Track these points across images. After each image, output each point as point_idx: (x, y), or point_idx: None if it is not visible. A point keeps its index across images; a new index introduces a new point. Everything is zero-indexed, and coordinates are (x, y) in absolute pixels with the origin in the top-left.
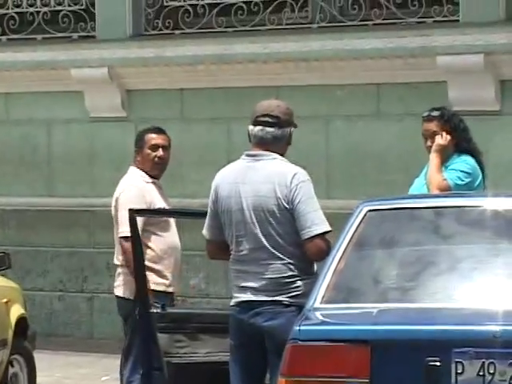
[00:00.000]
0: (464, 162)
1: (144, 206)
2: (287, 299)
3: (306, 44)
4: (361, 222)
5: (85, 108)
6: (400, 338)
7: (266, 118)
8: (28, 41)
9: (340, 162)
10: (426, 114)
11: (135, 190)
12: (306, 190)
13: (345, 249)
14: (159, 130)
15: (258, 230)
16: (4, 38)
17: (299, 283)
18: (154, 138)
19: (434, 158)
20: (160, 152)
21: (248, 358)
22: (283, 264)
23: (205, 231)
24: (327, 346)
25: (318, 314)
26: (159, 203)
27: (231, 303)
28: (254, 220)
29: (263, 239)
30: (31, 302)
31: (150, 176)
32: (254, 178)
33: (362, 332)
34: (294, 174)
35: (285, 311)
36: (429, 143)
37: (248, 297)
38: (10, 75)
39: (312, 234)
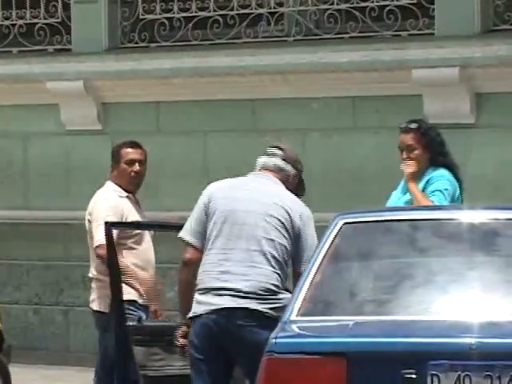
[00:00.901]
0: (442, 178)
1: (117, 219)
2: (270, 311)
3: (281, 57)
4: (337, 234)
5: (60, 121)
6: (376, 350)
7: (274, 150)
8: (3, 53)
9: (316, 175)
10: (403, 125)
11: (108, 202)
12: (312, 228)
13: (321, 261)
14: (135, 144)
15: (259, 233)
16: None
17: (281, 296)
18: (130, 153)
19: (413, 187)
20: (136, 167)
21: (216, 372)
22: (273, 272)
23: (192, 239)
24: (303, 359)
25: (294, 326)
26: (133, 217)
27: (200, 310)
28: (259, 222)
29: (263, 242)
30: (6, 315)
31: (125, 191)
32: (261, 188)
33: (338, 344)
34: (304, 211)
35: (270, 325)
36: (404, 155)
37: (228, 303)
38: None
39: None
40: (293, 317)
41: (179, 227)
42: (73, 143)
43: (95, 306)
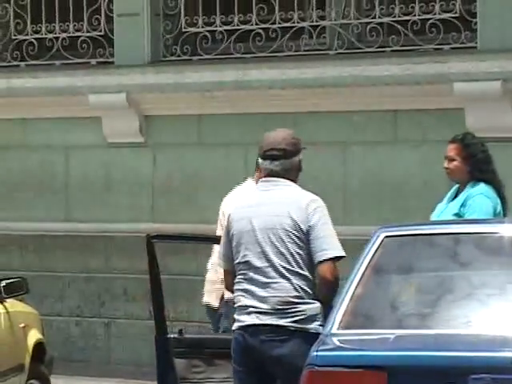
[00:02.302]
0: (480, 195)
1: None
2: (292, 324)
3: (323, 70)
4: (378, 247)
5: (102, 134)
6: (417, 364)
7: (273, 152)
8: (46, 66)
9: (357, 188)
10: (455, 135)
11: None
12: (322, 215)
13: (362, 274)
14: None
15: (268, 248)
16: (23, 63)
17: (304, 307)
18: None
19: None
20: None
21: (253, 381)
22: (290, 284)
23: (222, 263)
24: (344, 372)
25: (334, 339)
26: None
27: (234, 327)
28: (267, 239)
29: (273, 257)
30: (48, 326)
31: None
32: (269, 200)
33: (378, 358)
34: (312, 200)
35: (291, 338)
36: (445, 164)
37: (252, 320)
38: (28, 101)
39: (326, 257)
40: (334, 330)
41: (219, 240)
42: (114, 156)
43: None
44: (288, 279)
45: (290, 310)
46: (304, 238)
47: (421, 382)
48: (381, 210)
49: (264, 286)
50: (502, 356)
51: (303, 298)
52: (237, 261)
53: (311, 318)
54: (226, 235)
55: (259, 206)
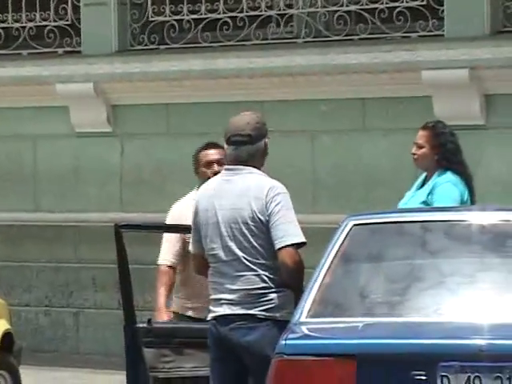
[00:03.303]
0: (447, 184)
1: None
2: (261, 313)
3: (291, 59)
4: (346, 236)
5: (70, 123)
6: (386, 351)
7: (238, 138)
8: (13, 56)
9: (326, 177)
10: (426, 122)
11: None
12: (281, 202)
13: (330, 263)
14: (213, 145)
15: (232, 243)
16: None
17: (272, 296)
18: (208, 155)
19: None
20: (215, 168)
21: (227, 372)
22: (256, 275)
23: (191, 246)
24: (313, 361)
25: (303, 327)
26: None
27: (208, 317)
28: (230, 233)
29: (238, 251)
30: (17, 317)
31: None
32: (230, 192)
33: (347, 346)
34: (271, 187)
35: (259, 326)
36: (413, 150)
37: (224, 310)
38: None
39: (284, 244)
40: (302, 318)
41: (188, 229)
42: (82, 145)
43: None
44: (254, 271)
45: (258, 300)
46: (264, 228)
47: (390, 369)
48: (349, 199)
49: (232, 278)
50: (470, 343)
51: (271, 288)
52: (207, 252)
53: (280, 306)
54: (194, 222)
55: (222, 198)
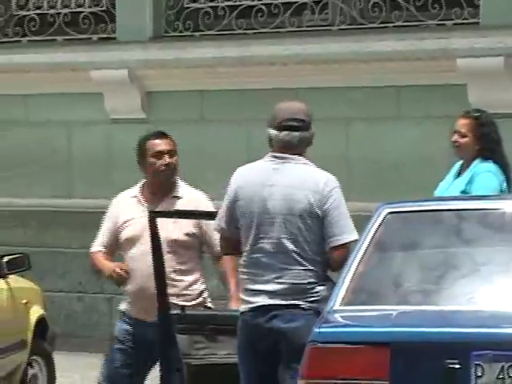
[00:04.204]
0: (487, 173)
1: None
2: (306, 304)
3: (325, 46)
4: (381, 224)
5: (104, 110)
6: (419, 340)
7: (292, 123)
8: (48, 42)
9: (359, 165)
10: (466, 110)
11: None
12: (337, 197)
13: (365, 251)
14: (162, 135)
15: (284, 235)
16: (24, 39)
17: (318, 288)
18: (156, 144)
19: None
20: (166, 159)
21: (259, 362)
22: (304, 270)
23: (219, 227)
24: (346, 348)
25: (337, 316)
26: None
27: (243, 308)
28: (282, 224)
29: (289, 244)
30: (51, 302)
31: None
32: (284, 182)
33: (381, 334)
34: (326, 181)
35: (303, 314)
36: (453, 138)
37: (264, 301)
38: (30, 77)
39: (341, 243)
40: (336, 306)
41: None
42: (116, 132)
43: None
44: (304, 266)
45: (304, 293)
46: (319, 222)
47: (423, 358)
48: (382, 187)
49: (277, 271)
50: (504, 332)
51: (318, 282)
52: (247, 242)
53: (325, 299)
54: (230, 208)
55: (272, 187)
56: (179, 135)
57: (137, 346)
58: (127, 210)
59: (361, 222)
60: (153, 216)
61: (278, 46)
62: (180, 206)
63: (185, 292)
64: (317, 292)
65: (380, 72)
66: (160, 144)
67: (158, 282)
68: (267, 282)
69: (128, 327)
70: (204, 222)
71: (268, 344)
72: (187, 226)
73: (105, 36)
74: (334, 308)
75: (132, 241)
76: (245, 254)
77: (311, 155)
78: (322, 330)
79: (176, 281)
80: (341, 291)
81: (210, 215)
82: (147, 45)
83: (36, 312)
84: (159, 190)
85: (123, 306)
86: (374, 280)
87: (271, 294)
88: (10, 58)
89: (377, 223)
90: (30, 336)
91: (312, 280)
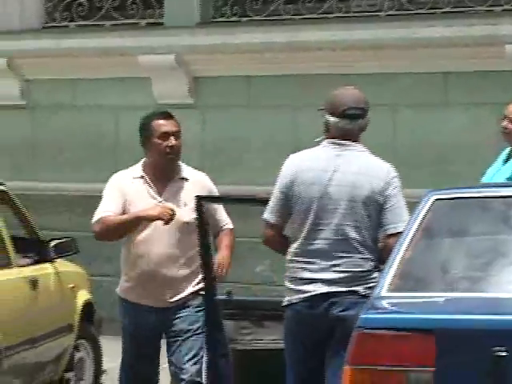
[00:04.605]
0: None
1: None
2: (364, 290)
3: (373, 32)
4: (428, 210)
5: (152, 95)
6: (466, 327)
7: (355, 111)
8: (96, 27)
9: (406, 151)
10: None
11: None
12: (397, 186)
13: (412, 237)
14: (168, 115)
15: (346, 222)
16: (73, 24)
17: (375, 275)
18: (162, 125)
19: None
20: (172, 141)
21: (312, 359)
22: (363, 258)
23: (269, 215)
24: (393, 335)
25: (384, 302)
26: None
27: (295, 299)
28: (343, 211)
29: (350, 231)
30: (97, 287)
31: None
32: (347, 168)
33: (427, 321)
34: (388, 169)
35: (361, 301)
36: (504, 123)
37: (321, 289)
38: (78, 61)
39: (397, 231)
40: (383, 293)
41: (267, 201)
42: None
43: None
44: (362, 253)
45: (362, 280)
46: (378, 209)
47: (470, 345)
48: (429, 173)
49: (336, 259)
50: None
51: (374, 269)
52: (301, 228)
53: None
54: (284, 192)
55: (335, 173)
56: (226, 121)
57: (142, 331)
58: (135, 191)
59: (408, 209)
60: (200, 201)
61: (325, 32)
62: (186, 187)
63: (193, 277)
64: (374, 278)
65: (428, 58)
66: (166, 125)
67: (204, 267)
68: (323, 270)
69: (130, 318)
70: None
71: (321, 335)
72: (192, 206)
73: (152, 21)
74: (381, 294)
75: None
76: (298, 241)
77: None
78: (368, 316)
79: (185, 264)
80: (388, 277)
81: (261, 201)
82: (195, 30)
83: (83, 296)
84: (162, 172)
85: (122, 292)
86: (420, 266)
87: (328, 282)
88: (58, 42)
89: (424, 210)
90: (76, 320)
91: (370, 267)
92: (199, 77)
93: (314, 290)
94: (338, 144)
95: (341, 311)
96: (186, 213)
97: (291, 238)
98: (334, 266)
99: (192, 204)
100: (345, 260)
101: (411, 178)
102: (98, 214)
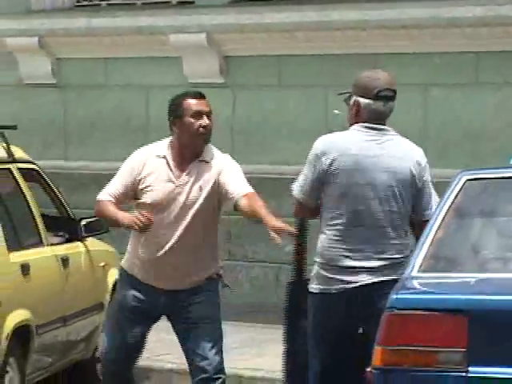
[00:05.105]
0: None
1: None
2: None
3: (405, 11)
4: (460, 191)
5: (183, 74)
6: (498, 308)
7: (389, 93)
8: (128, 6)
9: (436, 130)
10: None
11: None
12: (429, 171)
13: (443, 218)
14: (202, 96)
15: (387, 207)
16: (104, 3)
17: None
18: (194, 105)
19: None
20: (205, 120)
21: (341, 350)
22: (402, 244)
23: (299, 194)
24: (424, 315)
25: (415, 282)
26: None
27: (335, 289)
28: (386, 196)
29: (390, 216)
30: None
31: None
32: (387, 153)
33: (459, 301)
34: (422, 154)
35: None
36: None
37: (365, 279)
38: (109, 40)
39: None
40: (414, 273)
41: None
42: None
43: None
44: (402, 239)
45: (400, 267)
46: (416, 194)
47: (502, 326)
48: (459, 153)
49: (380, 246)
50: None
51: (409, 254)
52: (340, 214)
53: None
54: (316, 174)
55: (376, 158)
56: (256, 100)
57: (143, 311)
58: (155, 171)
59: (437, 189)
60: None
61: (356, 11)
62: (205, 170)
63: (208, 262)
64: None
65: (459, 38)
66: (199, 104)
67: (296, 250)
68: (367, 258)
69: (135, 292)
70: (220, 176)
71: (356, 324)
72: (207, 190)
73: (183, 0)
74: (412, 274)
75: (156, 206)
76: (337, 227)
77: (389, 120)
78: (399, 296)
79: (199, 250)
80: (419, 258)
81: None
82: (226, 9)
83: (113, 275)
84: (187, 153)
85: (128, 268)
86: (452, 247)
87: (372, 271)
88: (90, 21)
89: (456, 190)
90: (107, 298)
91: (407, 253)
92: (230, 56)
93: (358, 281)
94: (373, 128)
95: (382, 302)
96: (201, 198)
97: (325, 222)
98: (377, 253)
99: (209, 187)
100: (388, 247)
101: (442, 157)
102: (101, 194)
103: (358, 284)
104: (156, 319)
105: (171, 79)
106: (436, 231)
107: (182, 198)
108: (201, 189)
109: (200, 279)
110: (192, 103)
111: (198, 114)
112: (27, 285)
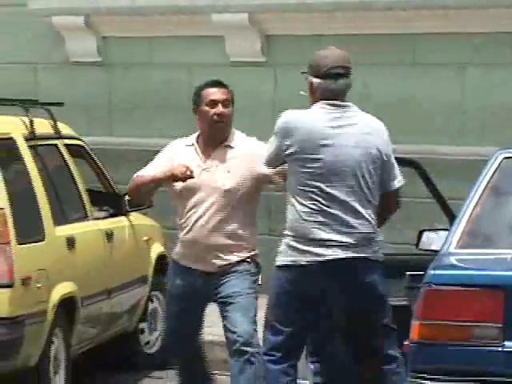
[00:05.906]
0: None
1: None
2: (373, 255)
3: None
4: (496, 169)
5: (225, 53)
6: None
7: (339, 70)
8: None
9: (473, 110)
10: None
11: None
12: (389, 141)
13: (480, 195)
14: (218, 83)
15: (357, 182)
16: None
17: (378, 238)
18: (212, 93)
19: None
20: (220, 108)
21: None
22: (370, 220)
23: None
24: (461, 291)
25: (452, 258)
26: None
27: (305, 261)
28: (355, 172)
29: (361, 192)
30: (171, 240)
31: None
32: (354, 129)
33: (495, 277)
34: (384, 127)
35: (373, 266)
36: None
37: (337, 254)
38: (153, 19)
39: (395, 188)
40: (451, 249)
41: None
42: (236, 75)
43: None
44: (369, 214)
45: (371, 243)
46: (380, 168)
47: None
48: (496, 132)
49: (349, 220)
50: None
51: (376, 232)
52: (313, 189)
53: (380, 248)
54: (282, 148)
55: (344, 135)
56: (297, 79)
57: (189, 296)
58: (185, 158)
59: (474, 167)
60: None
61: None
62: (231, 155)
63: (240, 244)
64: (377, 241)
65: (496, 18)
66: (215, 93)
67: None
68: (339, 232)
69: (178, 280)
70: (251, 162)
71: (326, 297)
72: (236, 173)
73: None
74: (450, 250)
75: (190, 190)
76: (310, 201)
77: (426, 98)
78: (437, 271)
79: (231, 232)
80: (456, 234)
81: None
82: None
83: (157, 249)
84: (211, 139)
85: (175, 255)
86: (489, 224)
87: (342, 245)
88: (134, 1)
89: (492, 168)
90: (150, 272)
91: (375, 229)
92: (271, 35)
93: (330, 255)
94: (335, 105)
95: (363, 279)
96: (228, 180)
97: (296, 197)
98: (348, 227)
99: (238, 171)
100: (359, 222)
101: (479, 136)
102: (135, 175)
103: (330, 258)
104: (202, 300)
105: (214, 58)
106: (473, 208)
107: (210, 182)
108: (228, 171)
109: (233, 261)
110: (209, 92)
111: (214, 103)
112: (72, 258)
